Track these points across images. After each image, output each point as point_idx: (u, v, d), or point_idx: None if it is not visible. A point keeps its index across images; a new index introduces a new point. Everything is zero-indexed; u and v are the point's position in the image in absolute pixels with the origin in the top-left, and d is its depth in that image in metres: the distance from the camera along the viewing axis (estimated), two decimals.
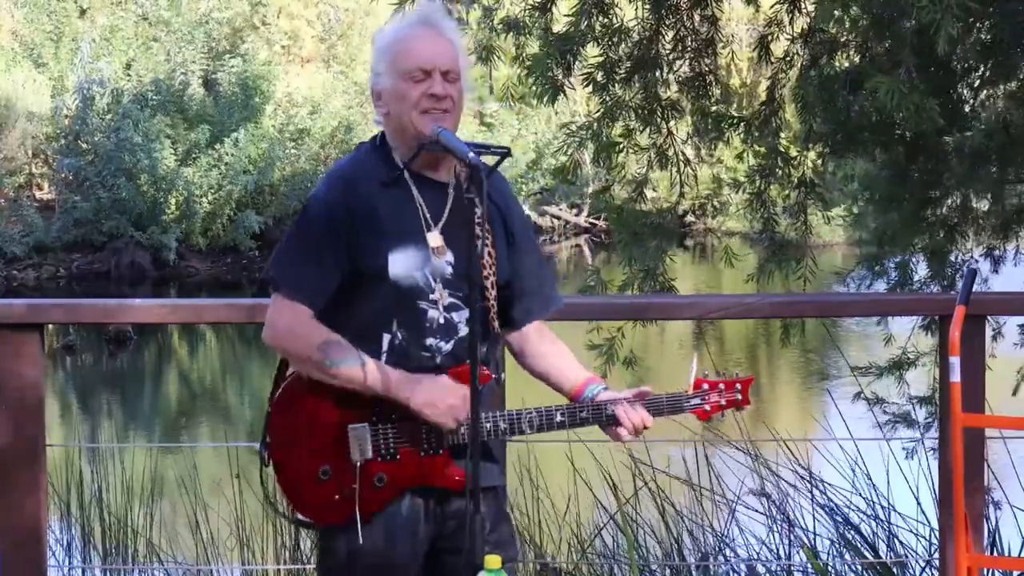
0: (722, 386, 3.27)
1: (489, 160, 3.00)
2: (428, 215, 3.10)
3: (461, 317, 3.08)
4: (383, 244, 3.06)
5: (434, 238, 3.08)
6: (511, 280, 3.21)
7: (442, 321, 3.08)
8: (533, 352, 3.28)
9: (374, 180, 3.10)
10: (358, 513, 3.07)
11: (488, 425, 3.07)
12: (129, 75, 26.55)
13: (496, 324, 3.14)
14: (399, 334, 3.08)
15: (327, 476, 3.10)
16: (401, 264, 3.06)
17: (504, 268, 3.18)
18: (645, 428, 3.19)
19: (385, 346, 3.09)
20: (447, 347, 3.09)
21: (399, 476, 3.10)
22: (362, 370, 3.04)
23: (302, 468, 3.12)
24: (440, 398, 3.05)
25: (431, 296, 3.07)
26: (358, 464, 3.08)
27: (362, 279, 3.08)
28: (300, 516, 3.17)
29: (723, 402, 3.27)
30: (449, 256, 3.08)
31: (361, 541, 3.08)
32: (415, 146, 3.05)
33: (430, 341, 3.08)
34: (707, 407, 3.26)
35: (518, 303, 3.25)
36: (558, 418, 3.15)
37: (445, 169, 3.13)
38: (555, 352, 3.28)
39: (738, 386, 3.28)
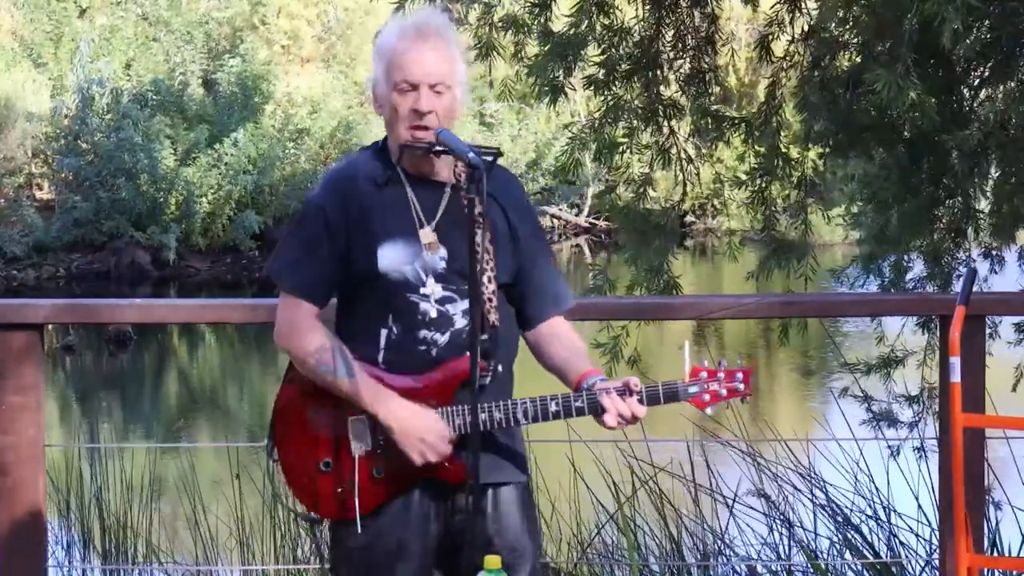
0: (722, 375, 3.15)
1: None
2: (421, 213, 3.14)
3: (457, 309, 3.12)
4: (373, 241, 3.12)
5: (426, 234, 3.12)
6: (518, 280, 3.22)
7: (434, 314, 3.12)
8: (545, 348, 3.26)
9: (369, 181, 3.16)
10: (356, 505, 3.09)
11: (483, 416, 3.06)
12: (129, 75, 26.50)
13: (494, 317, 3.13)
14: (394, 328, 3.13)
15: (328, 468, 3.13)
16: (390, 259, 3.11)
17: (506, 267, 3.19)
18: (634, 419, 3.10)
19: (383, 342, 3.13)
20: (443, 339, 3.12)
21: (399, 468, 3.10)
22: (350, 381, 3.09)
23: (305, 461, 3.15)
24: (417, 429, 3.06)
25: (422, 290, 3.11)
26: (356, 456, 3.10)
27: (356, 279, 3.15)
28: (306, 511, 3.18)
29: (723, 391, 3.14)
30: (443, 252, 3.12)
31: (359, 531, 3.09)
32: (398, 151, 3.12)
33: (424, 334, 3.11)
34: (706, 396, 3.14)
35: (528, 303, 3.26)
36: (552, 407, 3.11)
37: (446, 169, 3.17)
38: (563, 346, 3.25)
39: (739, 375, 3.15)
